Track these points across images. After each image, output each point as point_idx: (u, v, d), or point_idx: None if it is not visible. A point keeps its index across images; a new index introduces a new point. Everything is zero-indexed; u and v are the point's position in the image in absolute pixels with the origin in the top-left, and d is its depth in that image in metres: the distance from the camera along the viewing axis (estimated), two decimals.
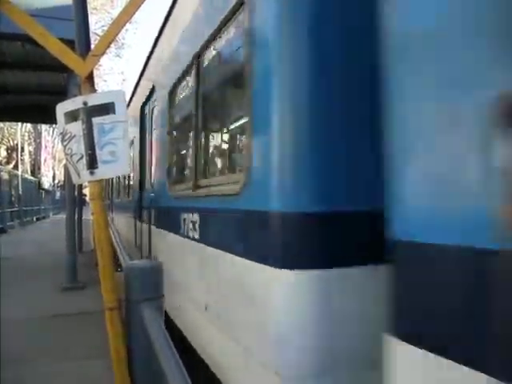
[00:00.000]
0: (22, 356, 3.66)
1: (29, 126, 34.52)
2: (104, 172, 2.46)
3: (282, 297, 1.84)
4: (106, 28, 21.92)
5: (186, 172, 3.75)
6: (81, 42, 3.01)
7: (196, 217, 3.15)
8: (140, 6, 2.52)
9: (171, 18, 4.41)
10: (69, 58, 2.47)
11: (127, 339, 2.41)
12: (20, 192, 21.49)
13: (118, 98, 2.47)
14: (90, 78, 2.55)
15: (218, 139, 3.22)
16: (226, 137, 3.05)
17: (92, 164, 2.42)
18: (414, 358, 1.09)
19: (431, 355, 1.04)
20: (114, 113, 2.43)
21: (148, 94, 5.48)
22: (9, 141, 35.37)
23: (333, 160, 1.80)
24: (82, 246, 9.85)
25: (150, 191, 5.34)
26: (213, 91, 3.26)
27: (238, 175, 2.43)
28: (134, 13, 2.54)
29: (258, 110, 2.08)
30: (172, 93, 4.16)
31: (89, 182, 2.49)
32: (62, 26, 4.79)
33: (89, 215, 7.54)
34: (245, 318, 2.19)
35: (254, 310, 2.07)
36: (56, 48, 2.44)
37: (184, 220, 3.47)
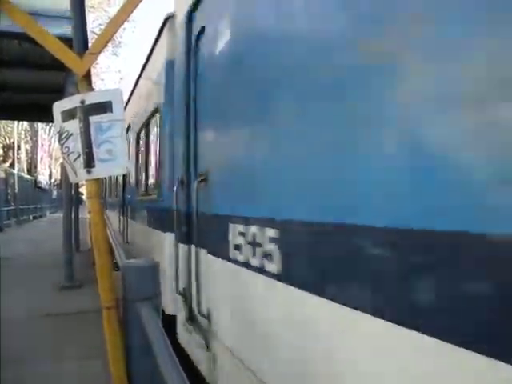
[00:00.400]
0: (19, 356, 3.65)
1: (25, 124, 34.42)
2: (101, 171, 2.46)
3: (167, 243, 3.96)
4: (103, 26, 21.82)
5: (143, 185, 6.04)
6: (78, 41, 2.98)
7: (145, 211, 5.50)
8: (138, 4, 2.52)
9: (136, 91, 7.02)
10: (66, 56, 2.47)
11: (124, 338, 2.41)
12: (16, 191, 21.42)
13: (116, 96, 2.47)
14: (88, 76, 2.54)
15: (153, 169, 5.47)
16: (155, 168, 5.29)
17: (89, 163, 2.42)
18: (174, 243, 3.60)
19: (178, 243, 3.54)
20: (112, 111, 2.43)
21: (127, 127, 8.05)
22: (5, 139, 35.26)
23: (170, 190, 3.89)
24: (79, 244, 9.83)
25: (128, 194, 7.69)
26: (150, 145, 5.64)
27: (157, 190, 4.75)
28: (132, 11, 2.54)
29: (162, 161, 4.41)
30: (138, 136, 6.58)
31: (86, 180, 2.49)
32: (59, 24, 4.78)
33: (86, 214, 7.75)
34: (159, 257, 4.10)
35: (162, 251, 4.14)
36: (54, 46, 2.43)
37: (141, 213, 5.88)
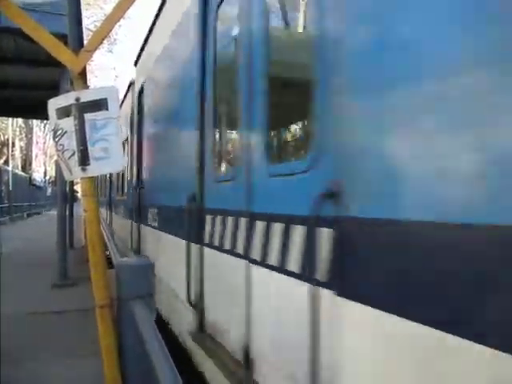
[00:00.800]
0: (9, 355, 3.63)
1: (20, 121, 34.21)
2: (96, 169, 2.44)
3: (131, 226, 6.48)
4: (98, 23, 21.69)
5: (121, 189, 8.74)
6: (74, 38, 2.96)
7: (122, 207, 8.19)
8: (134, 1, 2.51)
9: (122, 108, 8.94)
10: (62, 53, 2.45)
11: (118, 337, 2.40)
12: (10, 188, 21.31)
13: (111, 94, 2.45)
14: (83, 73, 2.53)
15: (125, 179, 7.78)
16: (126, 179, 7.61)
17: (84, 161, 2.40)
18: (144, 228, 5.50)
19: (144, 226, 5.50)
20: (107, 109, 2.41)
21: None
22: None
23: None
24: (73, 242, 9.79)
25: (113, 195, 10.81)
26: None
27: (126, 193, 7.59)
28: (128, 8, 2.52)
29: (129, 174, 7.05)
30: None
31: (81, 178, 2.47)
32: (54, 20, 4.75)
33: (80, 211, 8.13)
34: (128, 234, 6.82)
35: (129, 231, 6.67)
36: (49, 43, 2.42)
37: (120, 209, 8.81)
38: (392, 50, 1.28)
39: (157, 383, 1.55)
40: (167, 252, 4.05)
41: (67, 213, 7.76)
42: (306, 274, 1.63)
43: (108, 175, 11.76)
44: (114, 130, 2.41)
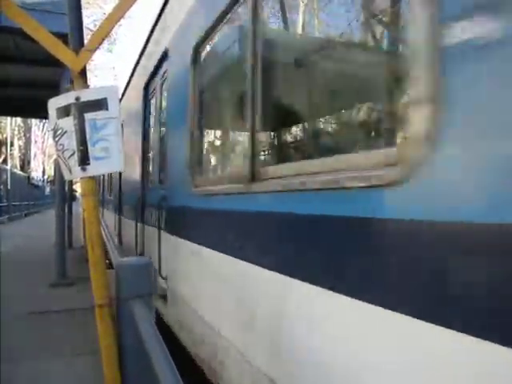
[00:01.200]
0: (8, 354, 3.63)
1: (19, 120, 34.16)
2: (96, 168, 2.44)
3: (115, 218, 9.27)
4: (98, 23, 21.66)
5: (109, 189, 11.37)
6: (74, 37, 2.96)
7: (111, 204, 10.44)
8: (134, 1, 2.50)
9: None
10: (62, 52, 2.45)
11: (117, 337, 2.40)
12: (9, 187, 21.27)
13: (111, 94, 2.45)
14: (83, 73, 2.53)
15: (112, 184, 10.54)
16: (113, 183, 10.39)
17: (84, 160, 2.40)
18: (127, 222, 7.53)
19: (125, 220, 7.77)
20: (107, 109, 2.41)
21: None
22: None
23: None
24: (72, 241, 9.78)
25: (106, 195, 12.72)
26: None
27: (112, 195, 10.33)
28: (129, 9, 2.52)
29: (114, 180, 10.22)
30: None
31: (81, 178, 2.47)
32: (54, 19, 4.74)
33: (79, 211, 8.42)
34: (113, 225, 9.54)
35: (113, 222, 9.52)
36: (49, 42, 2.41)
37: (109, 206, 11.43)
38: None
39: (157, 383, 1.55)
40: (129, 229, 6.52)
41: (66, 212, 7.74)
42: (157, 225, 4.33)
43: (102, 179, 14.27)
44: (114, 129, 2.41)
